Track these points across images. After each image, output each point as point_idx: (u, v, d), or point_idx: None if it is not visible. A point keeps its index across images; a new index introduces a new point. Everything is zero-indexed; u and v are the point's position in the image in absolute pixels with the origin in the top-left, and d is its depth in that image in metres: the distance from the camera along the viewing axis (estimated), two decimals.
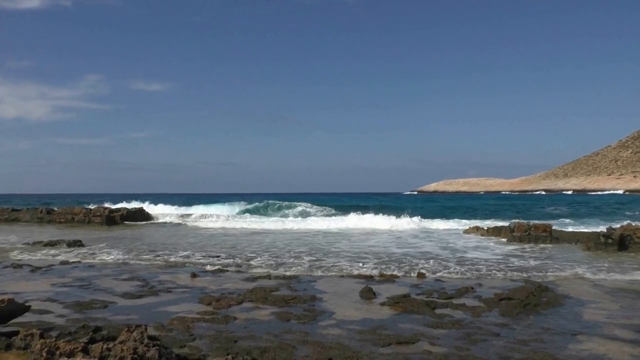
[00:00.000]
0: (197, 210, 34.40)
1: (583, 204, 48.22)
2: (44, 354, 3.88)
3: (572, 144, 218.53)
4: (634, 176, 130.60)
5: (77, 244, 14.60)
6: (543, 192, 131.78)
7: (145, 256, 12.49)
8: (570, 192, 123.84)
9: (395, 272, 9.93)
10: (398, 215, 24.67)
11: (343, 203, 47.40)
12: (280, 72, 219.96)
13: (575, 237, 15.87)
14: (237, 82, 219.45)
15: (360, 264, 11.05)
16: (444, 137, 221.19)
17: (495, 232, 17.78)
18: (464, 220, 25.20)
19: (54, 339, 4.22)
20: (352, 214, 26.71)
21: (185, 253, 13.14)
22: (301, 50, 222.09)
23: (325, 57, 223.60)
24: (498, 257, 12.58)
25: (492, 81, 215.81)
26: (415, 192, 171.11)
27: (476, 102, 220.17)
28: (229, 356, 4.10)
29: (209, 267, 10.53)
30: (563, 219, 27.34)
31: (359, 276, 9.49)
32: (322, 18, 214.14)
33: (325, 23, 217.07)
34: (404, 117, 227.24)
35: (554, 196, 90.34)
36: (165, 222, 26.76)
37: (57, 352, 3.91)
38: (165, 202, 37.15)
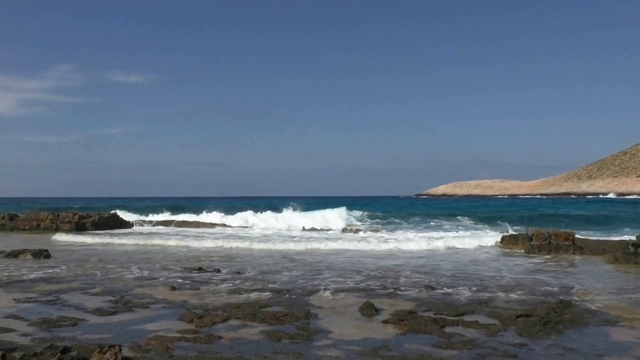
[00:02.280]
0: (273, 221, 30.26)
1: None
2: None
3: (596, 142, 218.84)
4: None
5: (43, 254, 14.53)
6: (589, 196, 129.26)
7: (119, 267, 12.45)
8: (613, 196, 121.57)
9: (398, 286, 9.94)
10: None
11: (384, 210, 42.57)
12: (271, 64, 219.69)
13: (601, 247, 15.91)
14: (223, 75, 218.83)
15: (359, 277, 11.05)
16: (450, 136, 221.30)
17: (512, 240, 17.81)
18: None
19: None
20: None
21: (163, 264, 13.12)
22: (294, 40, 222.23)
23: (320, 48, 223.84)
24: (514, 268, 12.59)
25: (505, 74, 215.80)
26: (425, 196, 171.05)
27: (487, 97, 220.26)
28: None
29: (191, 279, 10.51)
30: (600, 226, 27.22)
31: (359, 290, 9.49)
32: (318, 5, 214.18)
33: (320, 11, 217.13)
34: (406, 114, 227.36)
35: (615, 201, 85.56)
36: (144, 230, 26.70)
37: None
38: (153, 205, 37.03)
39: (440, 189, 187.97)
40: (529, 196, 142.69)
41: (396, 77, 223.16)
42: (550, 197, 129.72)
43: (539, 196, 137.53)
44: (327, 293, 9.24)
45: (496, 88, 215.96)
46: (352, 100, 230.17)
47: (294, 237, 22.03)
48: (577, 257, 14.90)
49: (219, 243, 18.76)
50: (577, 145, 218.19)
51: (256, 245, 18.16)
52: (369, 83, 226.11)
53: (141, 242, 19.62)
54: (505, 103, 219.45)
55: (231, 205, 41.87)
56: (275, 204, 38.61)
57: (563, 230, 16.65)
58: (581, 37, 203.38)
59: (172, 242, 19.09)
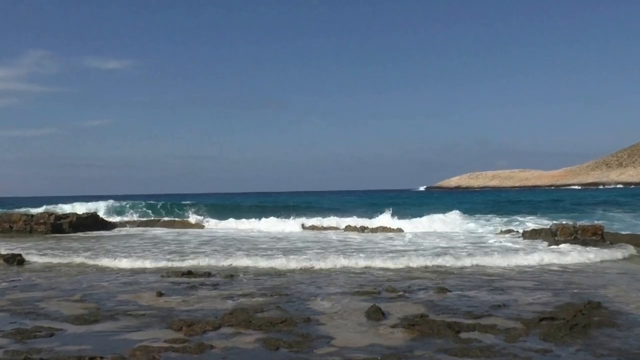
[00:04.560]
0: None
1: None
2: None
3: (626, 126, 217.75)
4: None
5: (17, 258, 14.57)
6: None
7: (100, 272, 12.54)
8: None
9: (407, 288, 9.96)
10: None
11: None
12: (266, 49, 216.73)
13: (634, 241, 15.91)
14: (214, 61, 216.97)
15: (363, 279, 11.07)
16: (459, 125, 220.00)
17: (533, 236, 17.84)
18: None
19: None
20: None
21: (149, 267, 13.17)
22: (292, 24, 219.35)
23: (321, 31, 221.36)
24: (536, 266, 12.61)
25: (522, 58, 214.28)
26: (437, 189, 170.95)
27: (503, 81, 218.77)
28: None
29: (179, 283, 10.54)
30: None
31: (364, 293, 9.51)
32: None
33: None
34: (407, 104, 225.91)
35: None
36: (128, 232, 26.75)
37: None
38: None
39: (454, 181, 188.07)
40: (553, 187, 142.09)
41: (400, 63, 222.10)
42: (588, 187, 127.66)
43: (575, 187, 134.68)
44: (329, 296, 9.25)
45: (517, 70, 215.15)
46: (355, 87, 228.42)
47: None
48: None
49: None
50: (603, 130, 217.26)
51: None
52: (372, 70, 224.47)
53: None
54: (518, 88, 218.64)
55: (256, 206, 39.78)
56: (278, 202, 37.81)
57: (590, 224, 16.68)
58: (599, 20, 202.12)
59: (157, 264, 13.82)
